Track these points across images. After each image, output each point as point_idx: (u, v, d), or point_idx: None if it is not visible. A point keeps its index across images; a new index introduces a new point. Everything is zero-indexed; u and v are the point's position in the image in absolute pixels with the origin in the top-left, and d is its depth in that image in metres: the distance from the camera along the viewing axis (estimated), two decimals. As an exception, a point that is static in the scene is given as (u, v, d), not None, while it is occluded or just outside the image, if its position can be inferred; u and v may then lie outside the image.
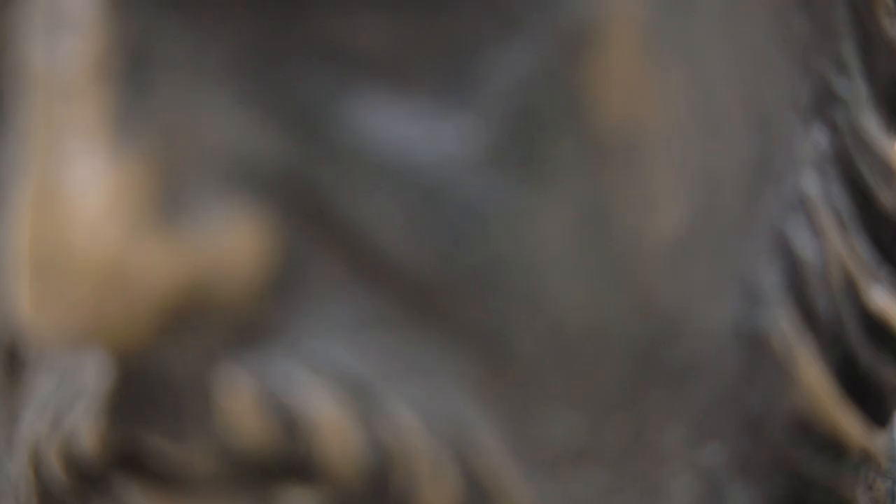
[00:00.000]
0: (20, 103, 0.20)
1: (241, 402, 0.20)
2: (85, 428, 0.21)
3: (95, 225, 0.18)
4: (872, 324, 0.24)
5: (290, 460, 0.20)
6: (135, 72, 0.19)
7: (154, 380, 0.20)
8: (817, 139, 0.24)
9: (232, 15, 0.20)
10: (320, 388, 0.20)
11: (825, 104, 0.24)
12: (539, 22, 0.20)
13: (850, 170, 0.24)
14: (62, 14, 0.19)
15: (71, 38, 0.19)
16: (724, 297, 0.22)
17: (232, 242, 0.19)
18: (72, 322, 0.19)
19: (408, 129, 0.20)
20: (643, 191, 0.21)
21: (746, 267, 0.23)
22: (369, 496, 0.20)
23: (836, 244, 0.23)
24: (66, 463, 0.22)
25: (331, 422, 0.20)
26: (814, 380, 0.23)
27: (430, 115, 0.20)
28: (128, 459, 0.21)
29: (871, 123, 0.24)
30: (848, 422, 0.23)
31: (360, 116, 0.20)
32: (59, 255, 0.18)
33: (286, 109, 0.20)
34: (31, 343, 0.22)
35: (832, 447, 0.23)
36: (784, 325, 0.23)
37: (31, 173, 0.19)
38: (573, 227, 0.21)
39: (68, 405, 0.22)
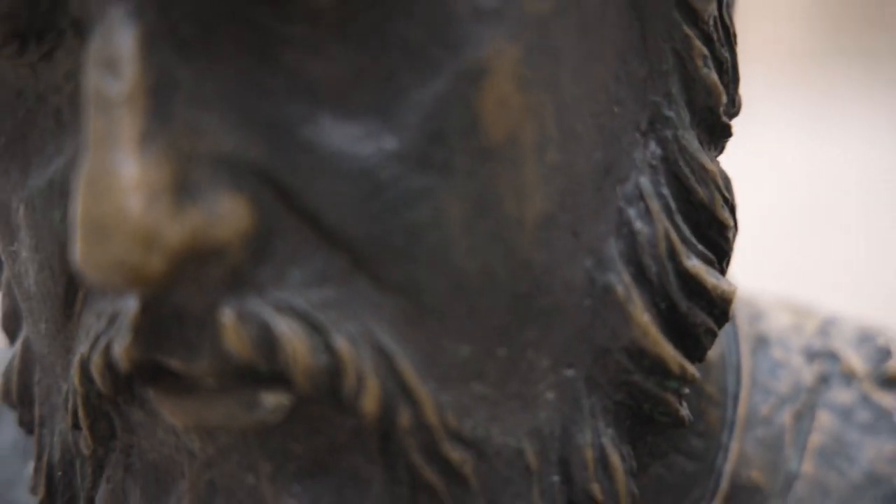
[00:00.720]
0: (83, 116, 0.28)
1: (230, 323, 0.27)
2: (117, 344, 0.29)
3: (124, 202, 0.26)
4: (690, 282, 0.31)
5: (265, 368, 0.28)
6: (155, 98, 0.27)
7: (168, 312, 0.28)
8: (653, 150, 0.31)
9: (221, 56, 0.28)
10: (284, 319, 0.28)
11: (658, 125, 0.31)
12: (449, 61, 0.28)
13: (676, 173, 0.31)
14: (108, 57, 0.27)
15: (113, 75, 0.27)
16: (581, 261, 0.30)
17: (220, 215, 0.27)
18: (107, 268, 0.26)
19: (352, 135, 0.28)
20: (519, 182, 0.28)
21: (599, 240, 0.30)
22: (324, 396, 0.28)
23: (663, 225, 0.31)
24: (102, 371, 0.29)
25: (292, 339, 0.28)
26: (644, 320, 0.30)
27: (369, 125, 0.28)
28: (147, 371, 0.29)
29: (692, 140, 0.32)
30: (669, 352, 0.30)
31: (317, 125, 0.28)
32: (100, 221, 0.26)
33: (261, 123, 0.28)
34: (83, 283, 0.30)
35: (658, 371, 0.30)
36: (624, 281, 0.30)
37: (85, 166, 0.27)
38: (470, 209, 0.28)
39: (107, 327, 0.29)
